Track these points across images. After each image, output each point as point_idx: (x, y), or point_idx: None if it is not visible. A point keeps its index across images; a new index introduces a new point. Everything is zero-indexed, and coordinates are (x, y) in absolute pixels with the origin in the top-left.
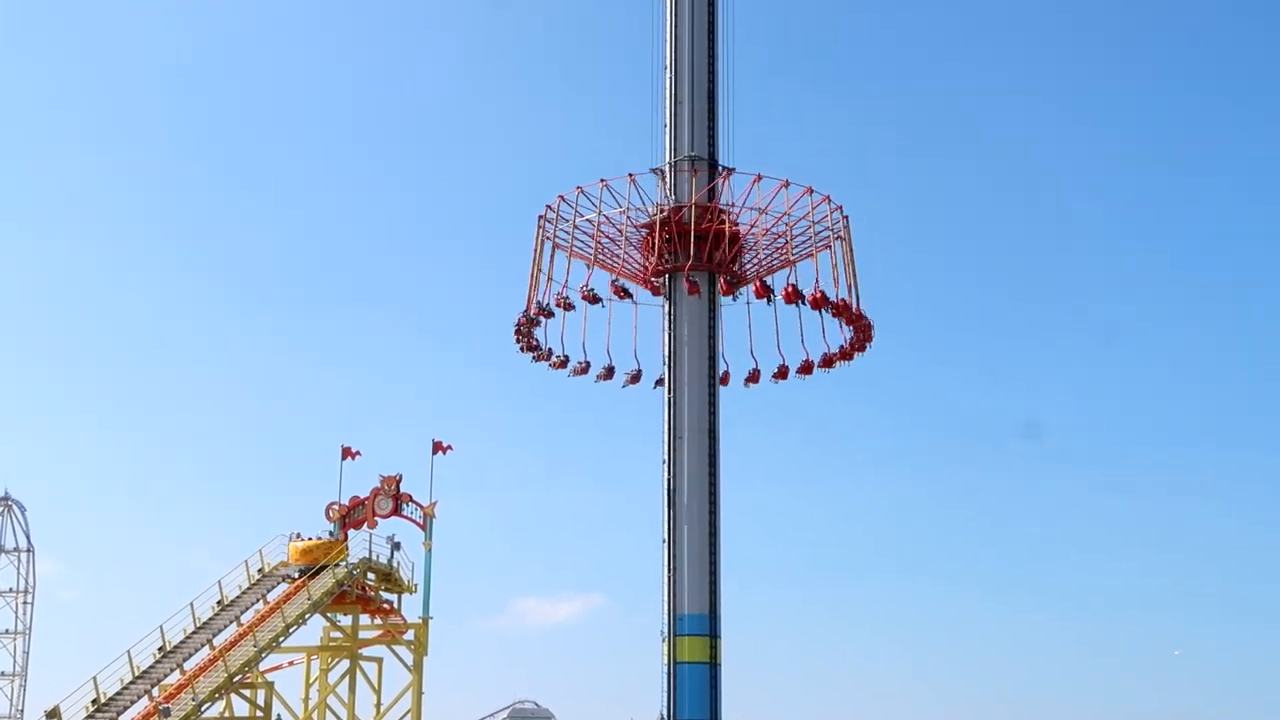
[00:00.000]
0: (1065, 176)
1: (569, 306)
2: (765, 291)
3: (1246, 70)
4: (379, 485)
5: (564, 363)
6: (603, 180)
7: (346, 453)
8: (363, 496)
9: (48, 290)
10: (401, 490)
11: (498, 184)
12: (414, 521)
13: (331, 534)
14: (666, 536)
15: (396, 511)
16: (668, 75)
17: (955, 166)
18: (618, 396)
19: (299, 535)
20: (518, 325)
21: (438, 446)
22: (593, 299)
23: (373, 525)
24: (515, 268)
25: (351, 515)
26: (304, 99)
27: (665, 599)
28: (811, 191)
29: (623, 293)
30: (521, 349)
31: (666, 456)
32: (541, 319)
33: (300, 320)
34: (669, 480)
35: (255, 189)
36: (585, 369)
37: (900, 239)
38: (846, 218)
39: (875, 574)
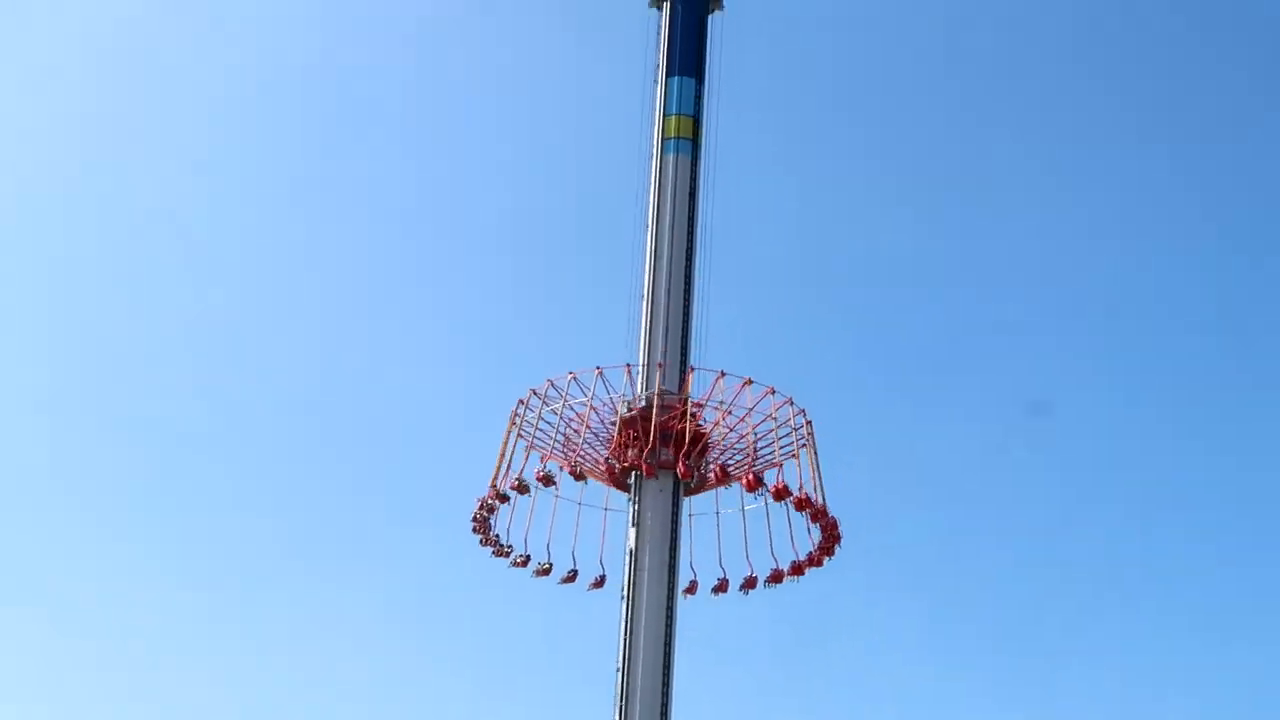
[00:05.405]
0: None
1: (524, 490)
2: (757, 484)
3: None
4: None
5: (525, 561)
6: (571, 373)
7: None
8: None
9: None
10: None
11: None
12: None
13: None
14: None
15: None
16: (646, 276)
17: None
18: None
19: None
20: (474, 515)
21: None
22: (547, 480)
23: None
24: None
25: None
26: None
27: None
28: (774, 392)
29: (580, 478)
30: (480, 543)
31: None
32: (497, 504)
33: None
34: None
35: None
36: (548, 570)
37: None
38: (810, 422)
39: None
